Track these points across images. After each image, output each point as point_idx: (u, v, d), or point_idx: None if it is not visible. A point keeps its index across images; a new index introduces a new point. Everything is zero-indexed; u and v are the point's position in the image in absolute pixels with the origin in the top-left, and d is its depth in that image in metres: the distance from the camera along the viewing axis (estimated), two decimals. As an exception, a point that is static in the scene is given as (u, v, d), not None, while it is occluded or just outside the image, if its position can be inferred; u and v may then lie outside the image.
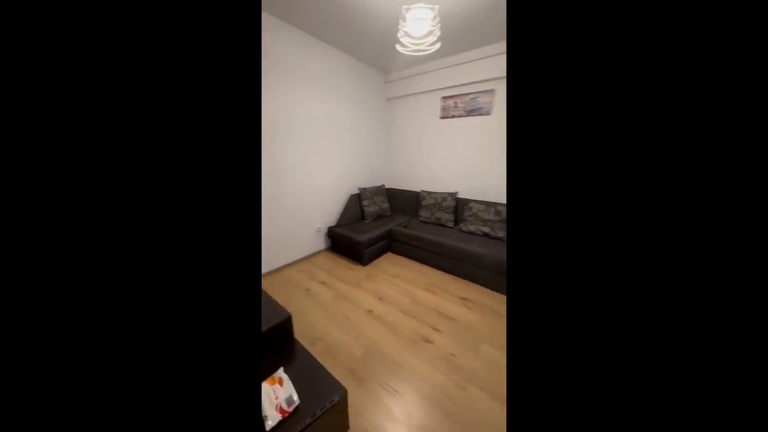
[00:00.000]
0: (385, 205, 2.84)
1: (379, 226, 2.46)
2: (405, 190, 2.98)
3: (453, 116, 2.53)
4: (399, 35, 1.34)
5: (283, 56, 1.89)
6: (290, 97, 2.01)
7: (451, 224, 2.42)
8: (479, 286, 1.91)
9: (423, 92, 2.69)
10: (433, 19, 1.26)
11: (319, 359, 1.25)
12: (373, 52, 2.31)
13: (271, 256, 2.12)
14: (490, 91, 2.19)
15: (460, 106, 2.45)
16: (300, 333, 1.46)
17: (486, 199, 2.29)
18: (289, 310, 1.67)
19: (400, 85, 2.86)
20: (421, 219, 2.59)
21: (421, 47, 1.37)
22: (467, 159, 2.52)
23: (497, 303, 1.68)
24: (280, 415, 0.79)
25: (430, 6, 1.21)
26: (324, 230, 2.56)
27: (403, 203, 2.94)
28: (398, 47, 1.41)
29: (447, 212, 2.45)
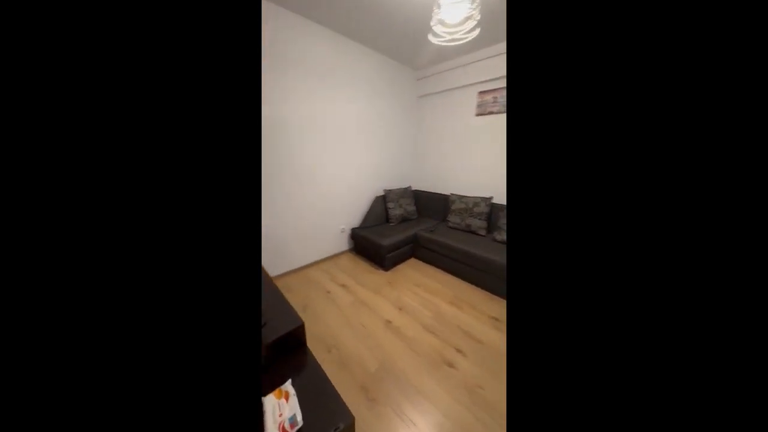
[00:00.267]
0: (411, 208, 2.71)
1: (404, 230, 2.34)
2: (433, 193, 2.82)
3: (491, 113, 2.29)
4: (432, 23, 1.21)
5: (310, 56, 1.88)
6: (318, 98, 2.00)
7: (483, 232, 2.20)
8: (513, 305, 1.69)
9: (457, 87, 2.49)
10: (473, 2, 1.10)
11: (331, 369, 1.21)
12: (404, 49, 2.20)
13: (294, 255, 2.16)
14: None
15: (500, 102, 2.20)
16: (316, 337, 1.43)
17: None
18: (308, 311, 1.69)
19: (432, 82, 2.69)
20: (450, 225, 2.41)
21: (456, 35, 1.22)
22: (504, 160, 2.27)
23: (535, 328, 1.45)
24: (281, 438, 0.73)
25: (470, -13, 1.06)
26: (348, 231, 2.54)
27: (430, 207, 2.77)
28: (430, 37, 1.28)
29: (479, 219, 2.23)
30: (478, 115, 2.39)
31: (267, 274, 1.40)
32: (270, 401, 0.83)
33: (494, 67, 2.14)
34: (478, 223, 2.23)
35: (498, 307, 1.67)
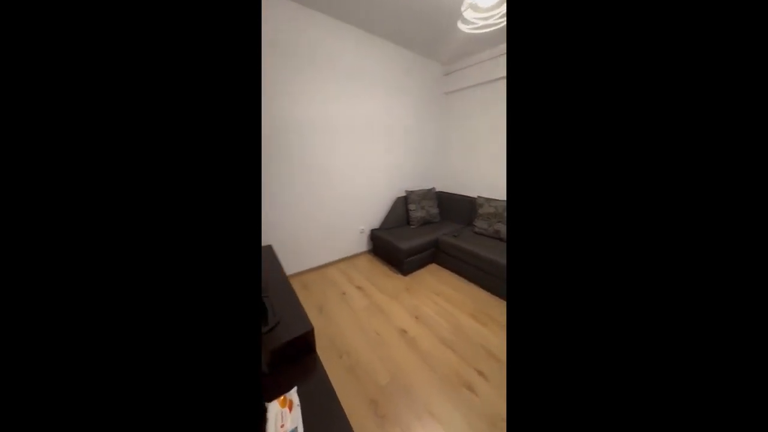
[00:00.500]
0: (434, 211, 2.58)
1: (425, 234, 2.23)
2: (458, 195, 2.65)
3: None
4: (462, 8, 1.10)
5: (333, 55, 1.86)
6: (341, 97, 1.98)
7: (512, 240, 2.00)
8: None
9: (487, 82, 2.29)
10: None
11: (341, 376, 1.16)
12: (429, 41, 2.08)
13: (314, 253, 2.17)
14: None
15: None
16: (329, 340, 1.40)
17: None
18: (323, 312, 1.68)
19: (459, 77, 2.52)
20: (476, 230, 2.23)
21: (489, 21, 1.09)
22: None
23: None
24: (279, 452, 0.70)
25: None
26: (367, 232, 2.49)
27: (454, 210, 2.61)
28: (460, 24, 1.16)
29: (509, 225, 2.04)
30: (511, 111, 2.18)
31: (283, 273, 1.41)
32: (274, 408, 0.80)
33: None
34: (507, 230, 2.03)
35: (528, 326, 1.49)
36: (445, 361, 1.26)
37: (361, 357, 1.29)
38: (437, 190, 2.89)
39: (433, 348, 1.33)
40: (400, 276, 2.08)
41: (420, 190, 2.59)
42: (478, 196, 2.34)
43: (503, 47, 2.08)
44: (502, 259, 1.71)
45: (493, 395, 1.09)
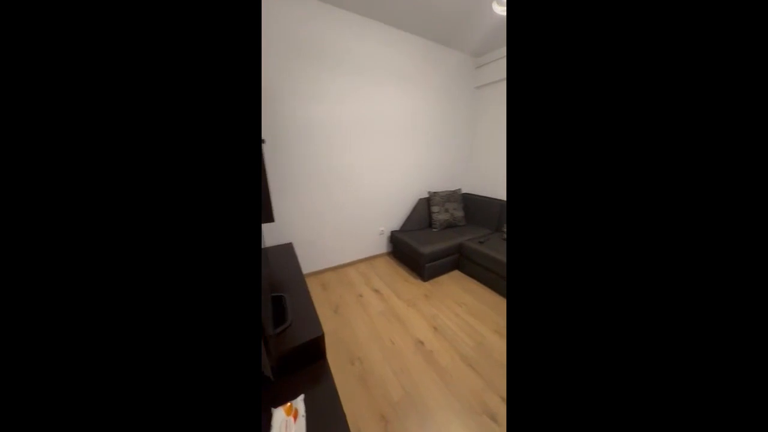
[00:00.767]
0: (459, 214, 2.43)
1: (448, 238, 2.09)
2: (486, 198, 2.46)
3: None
4: (499, -12, 0.97)
5: (353, 52, 1.81)
6: (362, 95, 1.93)
7: (548, 250, 1.78)
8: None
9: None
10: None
11: (352, 384, 1.11)
12: (460, 32, 1.93)
13: (333, 252, 2.16)
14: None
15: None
16: (342, 343, 1.36)
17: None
18: (339, 313, 1.65)
19: (494, 68, 2.32)
20: (505, 236, 2.04)
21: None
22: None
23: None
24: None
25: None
26: (387, 233, 2.43)
27: (482, 213, 2.43)
28: (495, 6, 1.03)
29: (544, 233, 1.82)
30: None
31: (300, 272, 1.40)
32: (279, 416, 0.78)
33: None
34: (542, 238, 1.81)
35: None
36: (465, 382, 1.14)
37: (374, 366, 1.23)
38: (463, 191, 2.72)
39: (453, 365, 1.22)
40: (419, 281, 1.98)
41: (444, 191, 2.45)
42: (510, 200, 2.14)
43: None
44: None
45: (521, 430, 0.95)
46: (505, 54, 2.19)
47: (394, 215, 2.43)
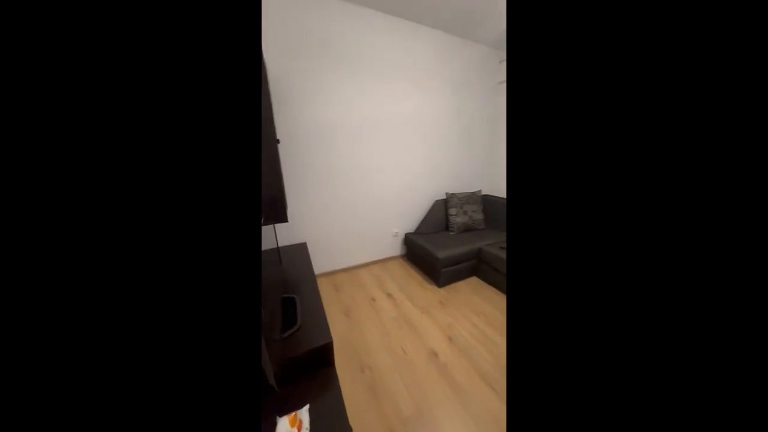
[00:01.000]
0: (478, 217, 2.29)
1: (466, 242, 1.98)
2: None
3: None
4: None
5: (370, 51, 1.76)
6: (376, 95, 1.87)
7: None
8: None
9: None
10: None
11: (360, 394, 1.05)
12: (480, 23, 1.81)
13: (346, 254, 2.14)
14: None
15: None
16: (352, 349, 1.32)
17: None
18: (349, 316, 1.61)
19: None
20: (529, 242, 1.89)
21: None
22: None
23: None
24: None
25: None
26: (401, 235, 2.36)
27: (502, 216, 2.27)
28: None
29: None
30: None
31: (312, 273, 1.38)
32: (284, 426, 0.74)
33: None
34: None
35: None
36: (483, 402, 1.04)
37: (385, 376, 1.17)
38: (483, 193, 2.58)
39: (470, 382, 1.13)
40: (434, 287, 1.89)
41: (463, 193, 2.33)
42: (535, 203, 1.98)
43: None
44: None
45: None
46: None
47: (409, 217, 2.35)
